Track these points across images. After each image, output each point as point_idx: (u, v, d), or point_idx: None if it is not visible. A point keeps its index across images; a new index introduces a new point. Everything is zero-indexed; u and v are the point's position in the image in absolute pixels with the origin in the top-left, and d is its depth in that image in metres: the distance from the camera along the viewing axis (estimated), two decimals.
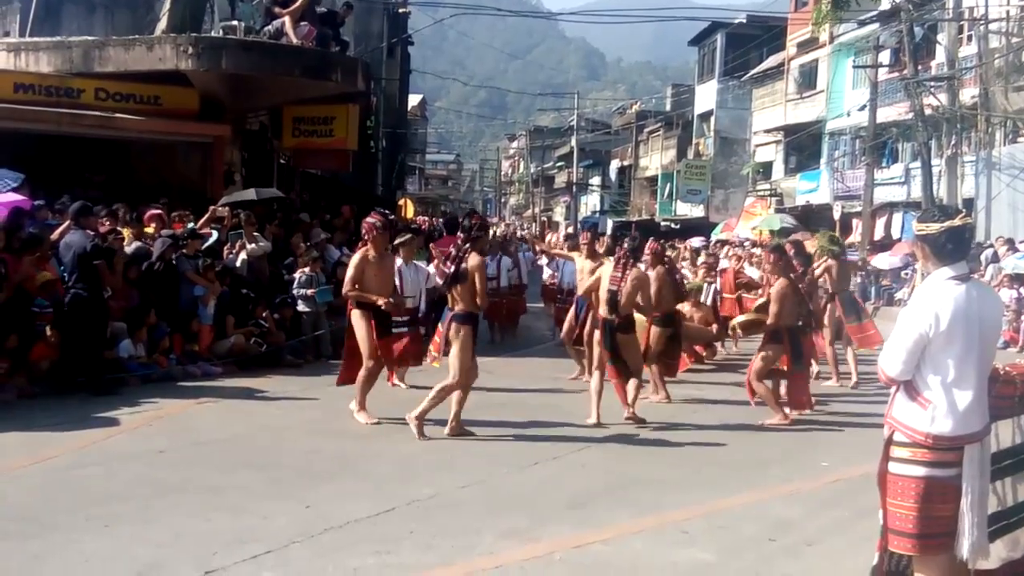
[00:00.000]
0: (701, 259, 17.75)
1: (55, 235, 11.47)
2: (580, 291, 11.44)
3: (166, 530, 5.99)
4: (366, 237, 9.58)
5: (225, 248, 14.17)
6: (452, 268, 8.72)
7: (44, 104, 16.05)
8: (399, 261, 10.84)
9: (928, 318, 4.06)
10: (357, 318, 9.52)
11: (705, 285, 15.86)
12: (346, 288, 9.50)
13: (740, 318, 11.17)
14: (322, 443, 8.74)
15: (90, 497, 6.67)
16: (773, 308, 10.13)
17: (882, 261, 27.72)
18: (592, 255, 12.17)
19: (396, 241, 10.77)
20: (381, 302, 9.36)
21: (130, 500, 6.63)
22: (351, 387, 10.61)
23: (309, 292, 13.77)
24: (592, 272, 10.99)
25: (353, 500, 6.71)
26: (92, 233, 11.31)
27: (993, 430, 4.26)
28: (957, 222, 4.17)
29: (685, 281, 15.60)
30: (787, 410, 10.11)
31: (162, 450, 8.23)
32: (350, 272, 9.49)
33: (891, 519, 4.16)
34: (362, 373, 9.48)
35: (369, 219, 9.71)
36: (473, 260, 8.65)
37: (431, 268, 11.98)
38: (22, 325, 10.42)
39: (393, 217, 11.84)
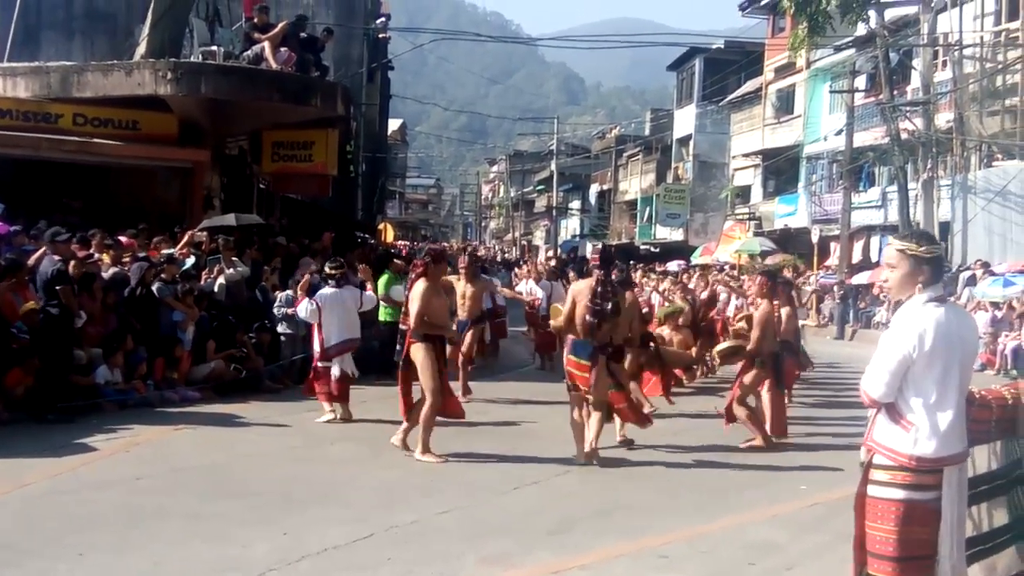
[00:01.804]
0: (665, 285, 17.61)
1: (31, 260, 11.41)
2: (553, 321, 11.29)
3: (143, 558, 5.94)
4: (421, 270, 9.22)
5: (203, 273, 14.10)
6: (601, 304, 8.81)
7: (22, 129, 15.98)
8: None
9: (912, 339, 4.07)
10: (424, 352, 8.99)
11: (686, 307, 15.91)
12: (416, 322, 9.01)
13: (720, 346, 11.15)
14: (301, 469, 8.69)
15: (66, 525, 6.60)
16: (756, 333, 10.16)
17: (860, 278, 27.91)
18: (471, 279, 13.00)
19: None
20: (448, 334, 9.39)
21: (107, 528, 6.56)
22: (323, 411, 10.66)
23: (290, 311, 13.51)
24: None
25: (332, 526, 6.67)
26: (58, 258, 11.23)
27: (969, 455, 4.28)
28: (940, 249, 4.23)
29: (664, 304, 15.70)
30: (767, 433, 10.13)
31: (139, 477, 8.16)
32: (418, 305, 8.97)
33: (870, 542, 4.17)
34: (428, 412, 8.97)
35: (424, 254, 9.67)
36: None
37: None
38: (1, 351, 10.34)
39: (445, 247, 12.08)
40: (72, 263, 11.34)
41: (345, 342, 10.94)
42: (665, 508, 7.61)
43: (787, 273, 12.99)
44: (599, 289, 8.99)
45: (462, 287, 12.96)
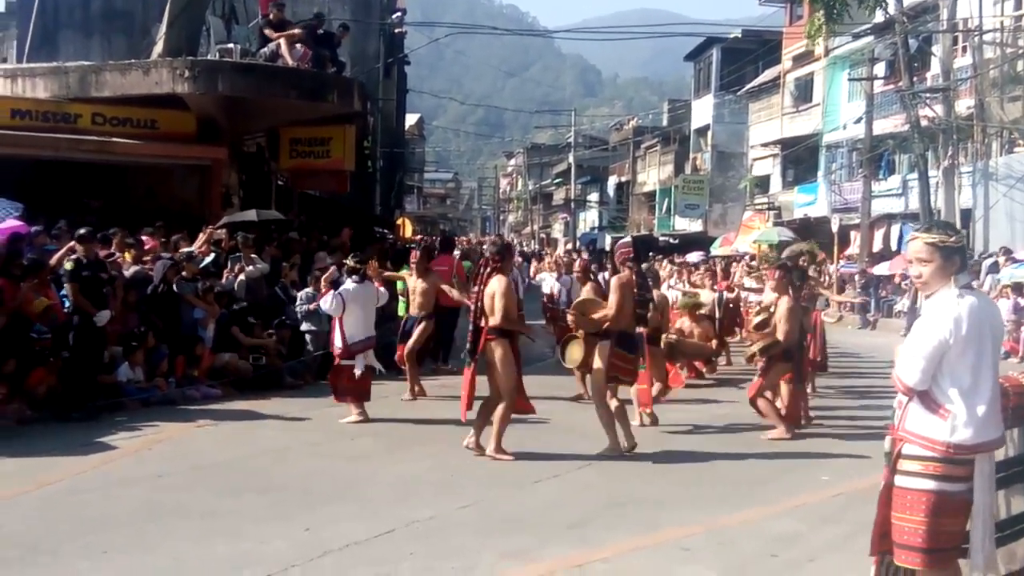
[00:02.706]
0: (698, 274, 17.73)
1: (54, 260, 11.48)
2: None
3: (165, 555, 5.97)
4: (496, 264, 8.91)
5: (225, 270, 14.16)
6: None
7: (41, 130, 16.08)
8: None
9: (948, 325, 4.05)
10: (505, 349, 8.75)
11: (715, 295, 15.91)
12: (505, 318, 8.70)
13: (756, 346, 10.99)
14: (321, 465, 8.72)
15: (89, 523, 6.65)
16: (784, 327, 10.13)
17: (881, 269, 27.78)
18: (422, 275, 12.91)
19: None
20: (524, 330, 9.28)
21: (129, 525, 6.60)
22: (343, 407, 10.65)
23: (311, 307, 13.44)
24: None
25: (352, 522, 6.68)
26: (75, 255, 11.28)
27: (1005, 442, 4.27)
28: (963, 238, 4.22)
29: (680, 296, 15.67)
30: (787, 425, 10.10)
31: (161, 474, 8.20)
32: (505, 301, 8.65)
33: (898, 533, 4.14)
34: (505, 410, 8.79)
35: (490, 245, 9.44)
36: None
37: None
38: (20, 350, 10.42)
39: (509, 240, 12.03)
40: (69, 259, 11.28)
41: (369, 339, 10.80)
42: (685, 500, 7.58)
43: (803, 261, 12.95)
44: (639, 281, 9.09)
45: (412, 282, 12.88)
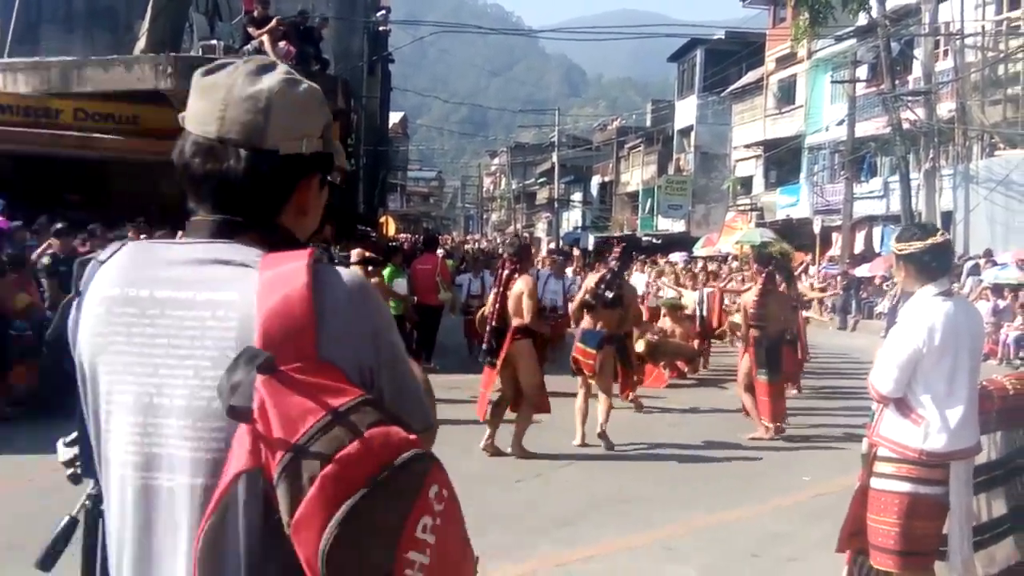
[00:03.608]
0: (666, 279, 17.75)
1: (34, 256, 11.41)
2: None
3: None
4: (515, 264, 8.95)
5: None
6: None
7: (22, 124, 15.99)
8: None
9: (921, 334, 4.06)
10: (531, 349, 8.78)
11: (697, 295, 15.97)
12: (535, 318, 8.73)
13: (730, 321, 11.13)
14: None
15: None
16: (743, 315, 10.28)
17: (862, 271, 27.95)
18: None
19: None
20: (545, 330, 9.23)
21: None
22: None
23: None
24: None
25: None
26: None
27: (980, 450, 4.28)
28: (938, 239, 4.20)
29: (659, 295, 15.73)
30: (768, 424, 10.14)
31: None
32: (533, 301, 8.73)
33: (873, 535, 4.17)
34: (531, 410, 8.89)
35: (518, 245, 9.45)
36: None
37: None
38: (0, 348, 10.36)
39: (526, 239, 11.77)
40: (46, 254, 11.22)
41: None
42: (669, 500, 7.61)
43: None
44: (607, 277, 9.24)
45: None
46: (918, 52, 29.65)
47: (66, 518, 1.70)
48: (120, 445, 1.44)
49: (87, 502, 1.71)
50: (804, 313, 14.12)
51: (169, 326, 1.42)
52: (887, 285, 25.04)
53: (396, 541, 1.28)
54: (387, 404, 1.41)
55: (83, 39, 19.62)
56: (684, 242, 41.15)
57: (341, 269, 1.48)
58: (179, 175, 1.54)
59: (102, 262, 1.52)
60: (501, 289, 8.88)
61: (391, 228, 44.32)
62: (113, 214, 15.12)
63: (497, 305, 8.86)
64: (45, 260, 10.85)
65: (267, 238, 1.48)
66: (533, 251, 12.05)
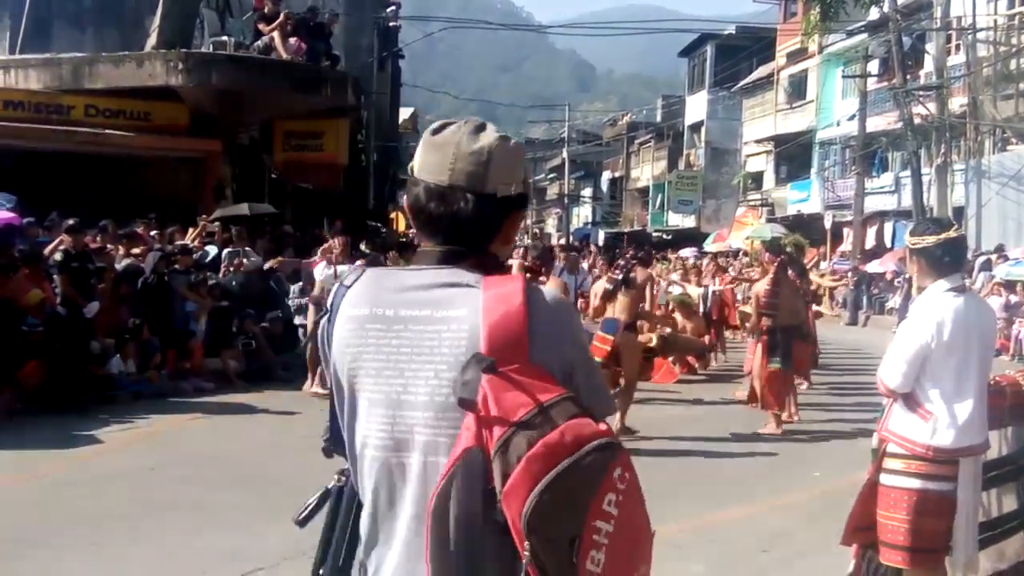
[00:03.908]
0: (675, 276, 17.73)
1: (47, 251, 11.46)
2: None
3: (156, 548, 5.97)
4: (540, 266, 9.64)
5: (223, 266, 14.12)
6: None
7: (34, 121, 16.06)
8: None
9: (930, 329, 4.04)
10: (635, 342, 9.67)
11: (702, 291, 15.96)
12: (633, 314, 9.51)
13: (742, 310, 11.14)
14: (313, 459, 8.62)
15: (80, 516, 6.64)
16: (754, 302, 10.29)
17: (874, 267, 27.87)
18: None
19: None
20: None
21: (120, 518, 6.60)
22: None
23: (303, 301, 13.47)
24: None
25: None
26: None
27: (988, 447, 4.27)
28: (952, 234, 4.18)
29: (669, 291, 15.70)
30: (777, 412, 10.12)
31: (152, 467, 8.20)
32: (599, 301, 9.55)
33: (883, 532, 4.15)
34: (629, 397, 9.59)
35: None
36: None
37: None
38: (12, 342, 10.39)
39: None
40: (58, 250, 11.27)
41: None
42: (676, 496, 7.58)
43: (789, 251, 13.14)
44: (620, 262, 9.66)
45: None
46: (930, 46, 29.52)
47: (322, 488, 2.16)
48: (372, 431, 1.83)
49: (338, 477, 2.11)
50: (815, 307, 14.08)
51: (411, 338, 1.80)
52: (898, 281, 24.96)
53: (585, 511, 1.61)
54: (582, 397, 1.74)
55: (94, 36, 19.65)
56: (694, 238, 41.10)
57: (545, 288, 1.87)
58: (413, 215, 1.93)
59: (347, 287, 1.91)
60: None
61: (401, 224, 44.29)
62: (124, 210, 15.19)
63: None
64: (58, 256, 10.90)
65: (482, 263, 1.85)
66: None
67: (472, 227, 1.85)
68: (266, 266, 12.88)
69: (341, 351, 1.87)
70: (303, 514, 2.21)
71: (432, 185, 1.86)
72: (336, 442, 2.04)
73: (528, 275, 10.76)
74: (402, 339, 1.80)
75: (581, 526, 1.61)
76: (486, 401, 1.65)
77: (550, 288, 1.90)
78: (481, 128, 1.92)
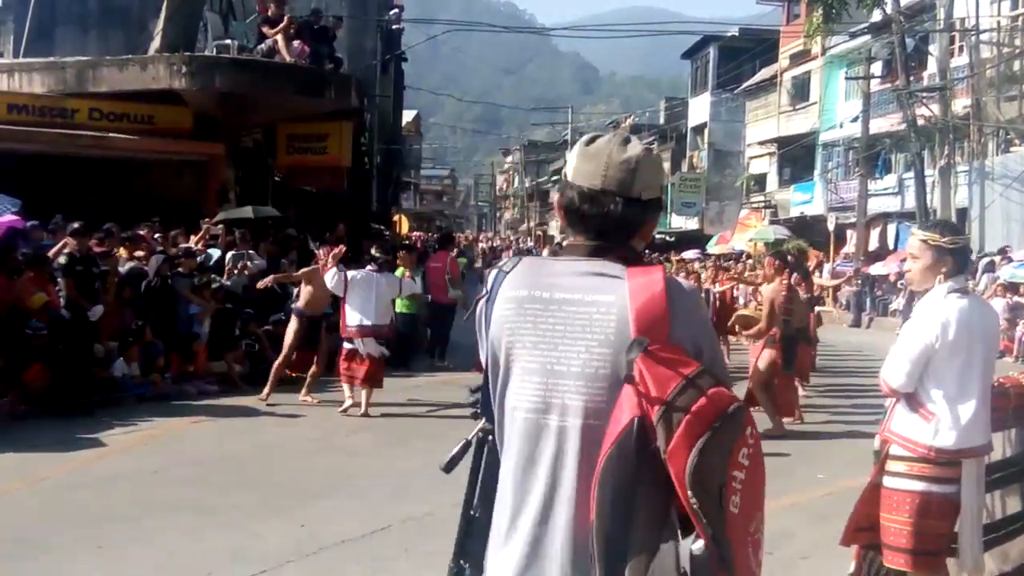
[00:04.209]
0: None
1: (51, 254, 11.48)
2: None
3: (160, 550, 5.98)
4: None
5: (227, 268, 14.14)
6: None
7: (38, 124, 16.08)
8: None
9: (934, 330, 4.05)
10: None
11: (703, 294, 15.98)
12: None
13: (738, 312, 11.13)
14: (317, 461, 8.73)
15: (84, 518, 6.65)
16: (765, 309, 10.23)
17: (877, 269, 27.84)
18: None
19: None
20: None
21: (124, 520, 6.61)
22: (340, 402, 10.68)
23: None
24: None
25: (347, 518, 6.69)
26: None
27: (991, 449, 4.26)
28: (968, 237, 4.21)
29: None
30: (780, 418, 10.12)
31: (156, 470, 8.21)
32: None
33: (886, 534, 4.15)
34: None
35: None
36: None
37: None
38: (14, 345, 10.42)
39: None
40: (63, 253, 11.29)
41: (364, 326, 10.78)
42: None
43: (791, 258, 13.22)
44: None
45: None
46: (933, 48, 29.50)
47: (463, 441, 2.39)
48: (524, 396, 2.11)
49: (479, 433, 2.33)
50: (817, 308, 14.09)
51: (565, 318, 2.09)
52: (901, 283, 24.94)
53: (727, 463, 1.94)
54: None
55: (98, 39, 19.69)
56: (698, 240, 41.08)
57: (680, 279, 2.19)
58: (565, 213, 2.22)
59: (506, 272, 2.20)
60: None
61: (404, 226, 44.41)
62: (128, 213, 15.21)
63: None
64: (62, 259, 10.92)
65: (625, 256, 2.15)
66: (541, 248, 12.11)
67: (619, 226, 2.16)
68: (259, 285, 12.92)
69: (500, 326, 2.16)
70: (448, 461, 2.48)
71: (586, 189, 2.16)
72: (484, 406, 2.29)
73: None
74: (556, 317, 2.09)
75: (725, 476, 1.93)
76: (643, 377, 1.94)
77: (684, 280, 2.20)
78: (628, 140, 2.21)
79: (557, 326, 2.09)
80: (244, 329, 13.31)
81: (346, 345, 10.87)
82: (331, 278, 10.82)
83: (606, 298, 2.06)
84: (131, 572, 5.62)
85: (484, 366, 2.23)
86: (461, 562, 2.41)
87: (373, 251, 11.60)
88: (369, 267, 11.11)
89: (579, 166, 2.19)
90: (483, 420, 2.32)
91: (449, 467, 2.50)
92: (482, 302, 2.24)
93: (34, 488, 7.53)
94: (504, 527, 2.16)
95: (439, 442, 8.81)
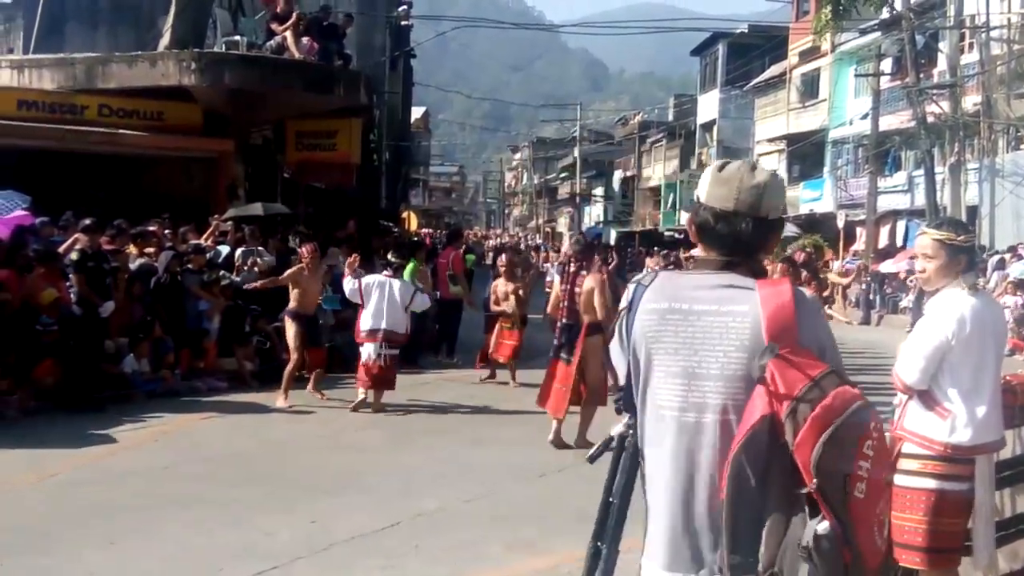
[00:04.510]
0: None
1: (61, 250, 11.51)
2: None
3: (171, 545, 5.99)
4: (580, 260, 9.26)
5: (237, 265, 14.13)
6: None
7: (48, 121, 16.10)
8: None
9: (950, 326, 4.05)
10: (602, 345, 9.08)
11: None
12: (607, 314, 9.06)
13: None
14: (326, 457, 8.74)
15: (95, 513, 6.68)
16: None
17: (887, 267, 27.76)
18: (510, 276, 13.30)
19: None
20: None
21: (135, 515, 6.63)
22: (349, 399, 10.69)
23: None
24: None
25: (358, 514, 6.70)
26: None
27: (1004, 444, 4.26)
28: (975, 234, 4.20)
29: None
30: None
31: (166, 466, 8.23)
32: (605, 298, 9.14)
33: (898, 532, 4.13)
34: (595, 405, 9.15)
35: None
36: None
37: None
38: (26, 341, 10.45)
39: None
40: (74, 249, 11.31)
41: (375, 331, 10.79)
42: None
43: (800, 256, 13.24)
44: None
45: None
46: (943, 45, 29.39)
47: (606, 437, 2.69)
48: (667, 396, 2.40)
49: (623, 428, 2.62)
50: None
51: (703, 327, 2.36)
52: (911, 280, 24.85)
53: (853, 454, 2.18)
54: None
55: (107, 35, 19.70)
56: None
57: (803, 290, 2.47)
58: (699, 232, 2.49)
59: (645, 286, 2.48)
60: (569, 287, 9.04)
61: (413, 223, 44.41)
62: (138, 210, 15.22)
63: (566, 302, 9.03)
64: (74, 255, 10.96)
65: (753, 269, 2.43)
66: (561, 247, 12.21)
67: (748, 242, 2.43)
68: (247, 286, 13.01)
69: (642, 335, 2.44)
70: (592, 454, 2.85)
71: (719, 210, 2.44)
72: (627, 404, 2.58)
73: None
74: (696, 327, 2.37)
75: (851, 465, 2.17)
76: (774, 378, 2.20)
77: (805, 290, 2.50)
78: (754, 166, 2.54)
79: (697, 334, 2.37)
80: (254, 326, 13.32)
81: (361, 350, 10.93)
82: (347, 286, 11.04)
83: (740, 308, 2.33)
84: (141, 567, 5.64)
85: (626, 369, 2.52)
86: (598, 543, 2.76)
87: (390, 256, 11.74)
88: (384, 272, 11.22)
89: (712, 190, 2.49)
90: (627, 416, 2.61)
91: (594, 458, 2.85)
92: (624, 314, 2.52)
93: (44, 483, 7.56)
94: (651, 516, 2.53)
95: (448, 438, 8.89)
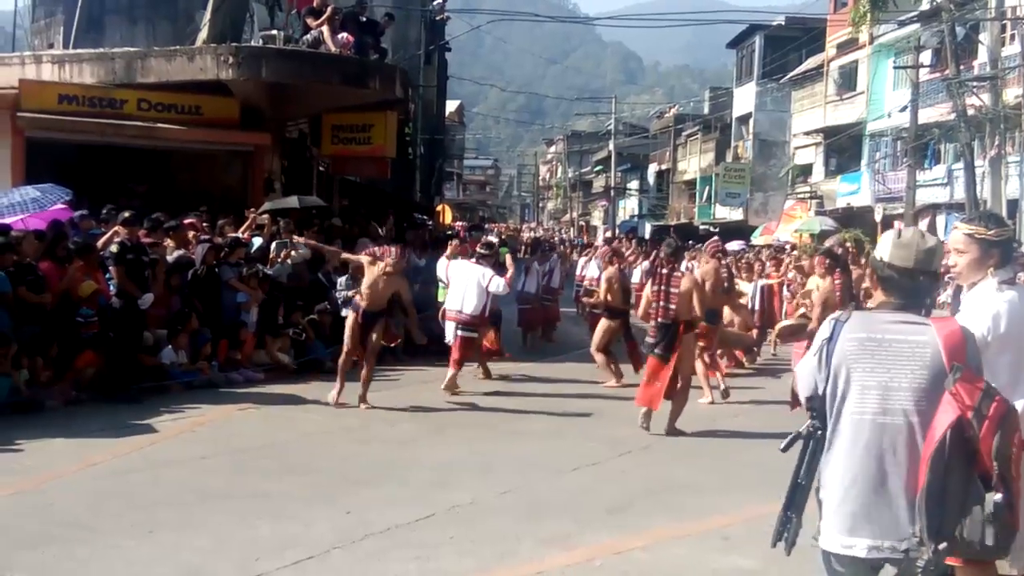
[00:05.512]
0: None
1: (100, 243, 11.64)
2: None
3: (209, 535, 6.06)
4: (672, 262, 9.82)
5: (271, 257, 14.22)
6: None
7: (88, 115, 16.26)
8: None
9: (986, 322, 4.00)
10: (695, 340, 10.12)
11: (752, 286, 15.93)
12: (703, 309, 9.89)
13: (782, 323, 11.10)
14: (362, 449, 8.79)
15: (134, 503, 6.76)
16: (817, 311, 10.10)
17: None
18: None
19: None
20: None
21: (173, 506, 6.71)
22: (383, 391, 10.74)
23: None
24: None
25: (393, 506, 6.74)
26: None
27: None
28: (1012, 227, 4.15)
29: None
30: None
31: (204, 456, 8.32)
32: (702, 297, 9.85)
33: None
34: (686, 396, 9.77)
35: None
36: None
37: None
38: (66, 333, 10.59)
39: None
40: (114, 242, 11.42)
41: (450, 311, 11.77)
42: (725, 489, 7.57)
43: (838, 250, 13.24)
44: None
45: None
46: (983, 37, 29.00)
47: (796, 432, 3.35)
48: (864, 404, 3.18)
49: (809, 427, 3.31)
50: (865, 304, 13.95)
51: (894, 352, 3.17)
52: (948, 275, 24.57)
53: (1011, 443, 3.01)
54: None
55: (145, 30, 19.89)
56: (742, 231, 40.77)
57: (957, 320, 3.50)
58: (884, 284, 3.32)
59: (843, 322, 3.27)
60: (664, 288, 9.46)
61: (448, 216, 44.49)
62: (176, 203, 15.37)
63: (662, 302, 9.45)
64: (113, 248, 11.08)
65: (923, 310, 3.28)
66: (593, 241, 12.43)
67: (921, 291, 3.29)
68: (300, 240, 14.05)
69: (843, 358, 3.22)
70: (785, 445, 3.41)
71: (901, 268, 3.25)
72: (819, 413, 3.31)
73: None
74: (888, 351, 3.17)
75: (1010, 450, 2.98)
76: (958, 390, 3.00)
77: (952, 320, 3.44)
78: (924, 235, 3.35)
79: (889, 357, 3.16)
80: (289, 318, 13.39)
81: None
82: (441, 267, 12.36)
83: (922, 338, 3.16)
84: (181, 556, 5.70)
85: (814, 384, 3.31)
86: (789, 512, 3.39)
87: (484, 242, 13.71)
88: (473, 259, 12.26)
89: (894, 252, 3.28)
90: (813, 420, 3.32)
91: (787, 447, 3.40)
92: (823, 342, 3.27)
93: (86, 473, 7.65)
94: (839, 495, 3.23)
95: (480, 431, 8.90)
